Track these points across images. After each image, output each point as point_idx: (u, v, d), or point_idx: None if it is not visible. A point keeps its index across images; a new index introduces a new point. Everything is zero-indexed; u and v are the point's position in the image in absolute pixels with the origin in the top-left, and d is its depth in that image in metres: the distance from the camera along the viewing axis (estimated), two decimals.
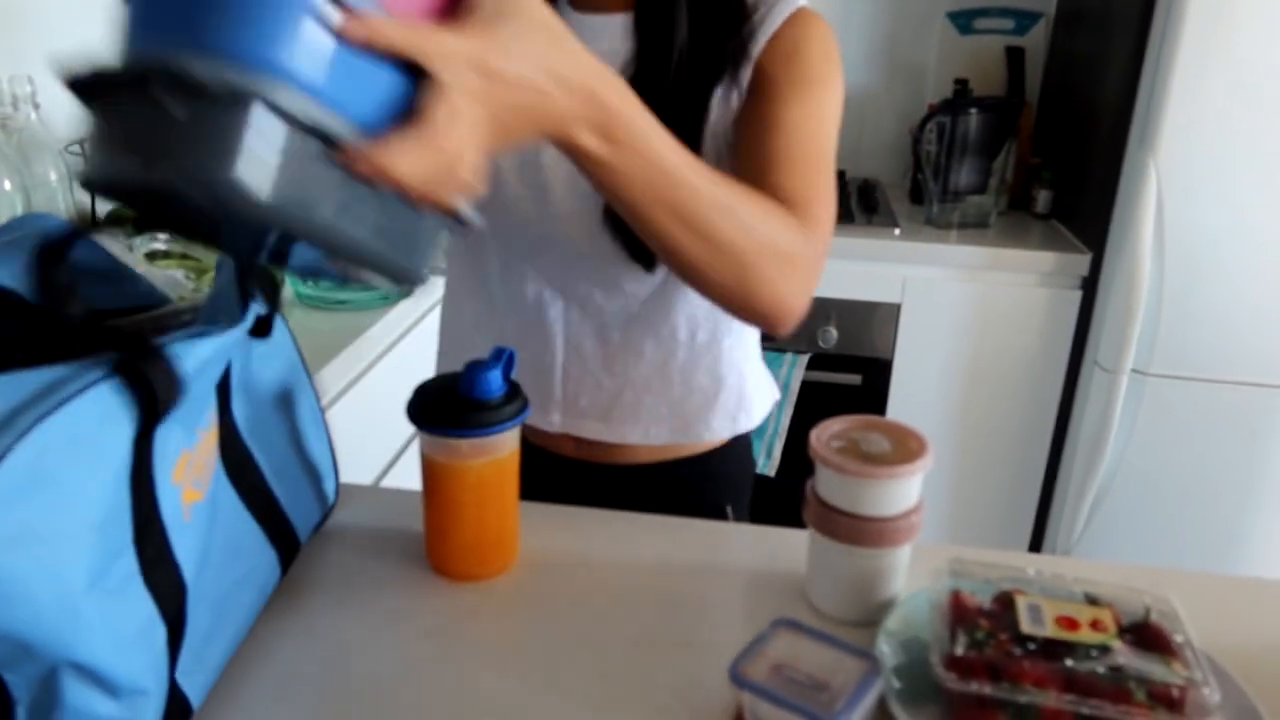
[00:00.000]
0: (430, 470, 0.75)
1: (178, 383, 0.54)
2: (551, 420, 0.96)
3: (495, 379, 0.73)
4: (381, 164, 0.47)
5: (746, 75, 0.82)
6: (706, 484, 0.96)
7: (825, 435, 0.72)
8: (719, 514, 0.99)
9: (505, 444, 0.75)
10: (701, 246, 0.66)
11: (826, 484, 0.71)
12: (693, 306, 0.91)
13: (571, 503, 0.87)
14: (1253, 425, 1.85)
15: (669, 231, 0.65)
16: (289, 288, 1.41)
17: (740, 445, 1.02)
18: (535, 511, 0.85)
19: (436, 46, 0.48)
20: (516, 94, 0.52)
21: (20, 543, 0.47)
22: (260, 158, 0.43)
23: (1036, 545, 2.15)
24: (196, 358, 0.57)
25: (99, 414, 0.51)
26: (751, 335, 0.97)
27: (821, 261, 0.75)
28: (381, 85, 0.48)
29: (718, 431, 0.95)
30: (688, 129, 0.80)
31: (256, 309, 0.65)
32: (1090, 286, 1.94)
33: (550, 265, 0.91)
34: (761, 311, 0.72)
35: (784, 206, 0.72)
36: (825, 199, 0.77)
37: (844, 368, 2.07)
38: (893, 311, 2.02)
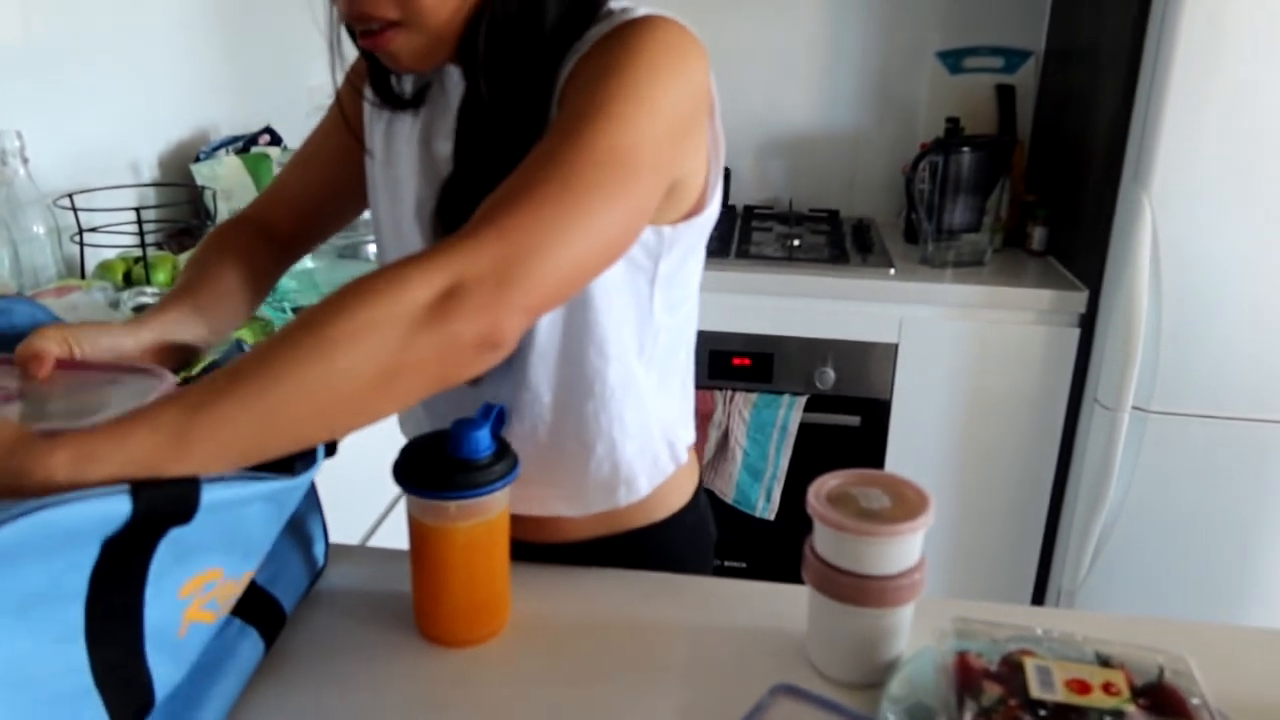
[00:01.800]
0: (418, 533, 0.73)
1: (186, 502, 0.53)
2: None
3: (483, 438, 0.71)
4: None
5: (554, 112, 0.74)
6: (650, 561, 0.90)
7: (823, 491, 0.70)
8: None
9: (495, 505, 0.73)
10: (329, 418, 0.58)
11: (825, 542, 0.69)
12: (549, 366, 0.83)
13: None
14: (1256, 461, 1.83)
15: (297, 434, 0.58)
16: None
17: (689, 520, 0.97)
18: (526, 572, 0.83)
19: None
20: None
21: None
22: None
23: (1041, 585, 2.12)
24: (227, 492, 0.55)
25: (94, 509, 0.50)
26: (625, 402, 0.86)
27: (507, 250, 0.61)
28: None
29: (593, 504, 0.89)
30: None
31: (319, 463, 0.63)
32: (1088, 323, 1.93)
33: None
34: (468, 365, 0.62)
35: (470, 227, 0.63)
36: (520, 199, 0.63)
37: (842, 409, 2.05)
38: (890, 351, 2.01)
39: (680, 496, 0.96)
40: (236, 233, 0.91)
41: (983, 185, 2.09)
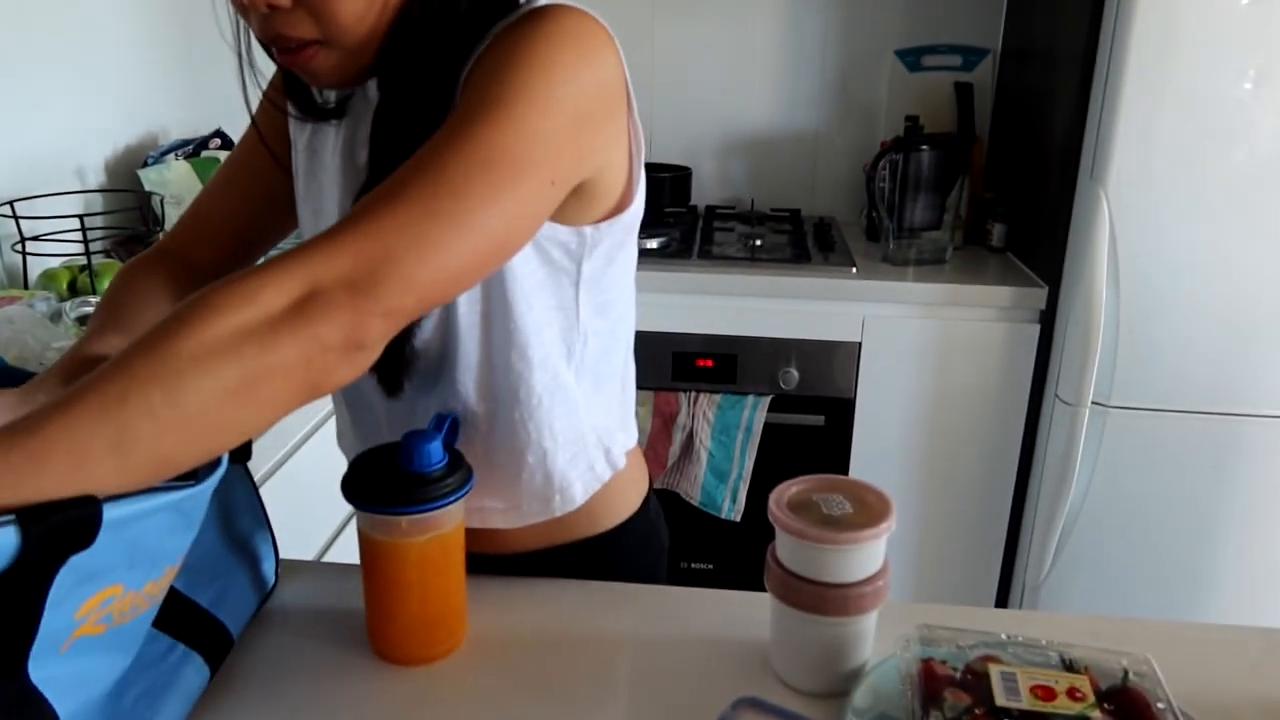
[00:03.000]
0: (369, 549, 0.71)
1: (86, 527, 0.50)
2: None
3: (435, 450, 0.69)
4: None
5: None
6: (599, 571, 0.88)
7: (784, 498, 0.69)
8: None
9: (449, 519, 0.71)
10: (192, 436, 0.54)
11: (787, 550, 0.68)
12: (474, 375, 0.81)
13: None
14: (1214, 454, 1.85)
15: (158, 455, 0.53)
16: None
17: (637, 528, 0.94)
18: (482, 585, 0.81)
19: None
20: None
21: None
22: None
23: (1006, 581, 2.13)
24: (128, 508, 0.52)
25: None
26: (554, 409, 0.83)
27: (365, 253, 0.59)
28: None
29: (529, 515, 0.87)
30: None
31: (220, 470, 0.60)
32: (1048, 320, 1.94)
33: None
34: (336, 369, 0.59)
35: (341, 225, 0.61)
36: (389, 201, 0.61)
37: (806, 409, 2.05)
38: (853, 350, 2.01)
39: (627, 505, 0.93)
40: (153, 270, 0.86)
41: (943, 183, 2.09)
